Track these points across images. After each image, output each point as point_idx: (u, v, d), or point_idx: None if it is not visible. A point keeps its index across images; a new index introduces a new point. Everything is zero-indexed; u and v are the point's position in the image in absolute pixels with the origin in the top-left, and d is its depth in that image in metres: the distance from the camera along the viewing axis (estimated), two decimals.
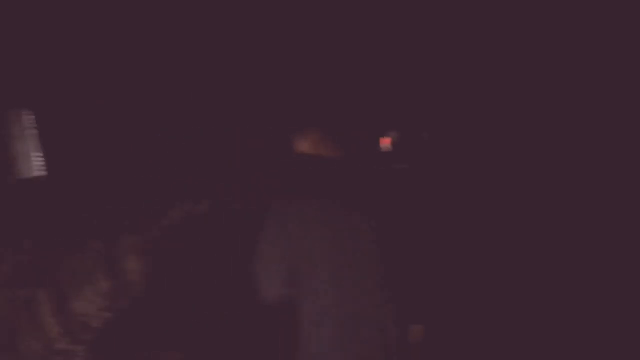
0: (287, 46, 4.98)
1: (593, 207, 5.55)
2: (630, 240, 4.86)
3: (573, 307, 4.16)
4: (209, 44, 4.85)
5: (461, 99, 7.14)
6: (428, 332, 2.21)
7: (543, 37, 5.36)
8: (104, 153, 4.23)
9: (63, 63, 3.63)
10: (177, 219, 5.29)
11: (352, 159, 2.06)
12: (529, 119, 6.29)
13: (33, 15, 3.33)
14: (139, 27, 4.26)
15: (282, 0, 4.78)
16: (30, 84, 3.30)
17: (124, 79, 4.34)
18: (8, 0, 3.20)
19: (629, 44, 4.98)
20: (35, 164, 3.11)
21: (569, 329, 3.87)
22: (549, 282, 4.61)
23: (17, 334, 3.56)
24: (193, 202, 5.45)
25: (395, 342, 1.94)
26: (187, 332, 4.72)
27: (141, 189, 4.82)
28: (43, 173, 3.10)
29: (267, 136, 5.44)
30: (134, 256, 4.87)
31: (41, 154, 3.12)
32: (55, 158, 3.30)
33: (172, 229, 5.24)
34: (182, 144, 5.06)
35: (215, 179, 5.59)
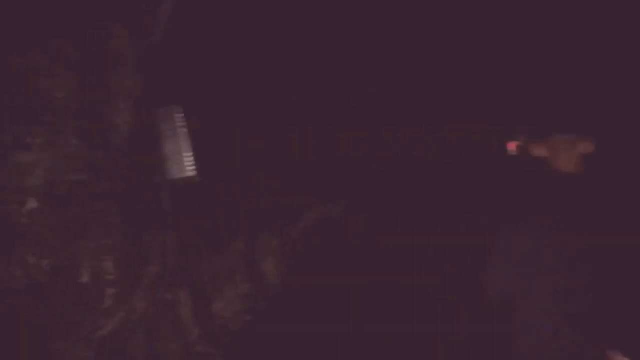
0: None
1: None
2: None
3: None
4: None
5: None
6: None
7: None
8: (247, 152, 3.95)
9: (214, 59, 3.36)
10: (314, 220, 4.95)
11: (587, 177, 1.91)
12: None
13: (186, 10, 3.07)
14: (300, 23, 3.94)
15: None
16: (181, 81, 3.04)
17: (271, 76, 4.04)
18: None
19: None
20: (185, 164, 2.83)
21: None
22: None
23: (157, 337, 3.36)
24: (330, 203, 5.09)
25: None
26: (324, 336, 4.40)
27: (280, 188, 4.51)
28: (192, 173, 2.81)
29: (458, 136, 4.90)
30: (272, 258, 4.59)
31: (191, 154, 2.83)
32: (202, 157, 3.02)
33: (310, 229, 4.91)
34: (325, 142, 4.69)
35: (355, 179, 5.18)
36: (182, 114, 3.01)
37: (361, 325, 4.66)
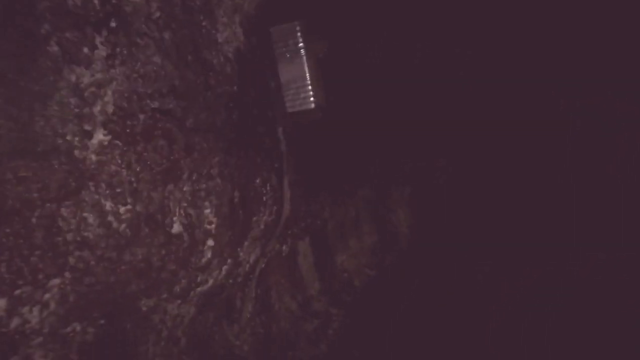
0: None
1: None
2: None
3: None
4: None
5: None
6: None
7: None
8: (382, 82, 3.11)
9: None
10: (450, 171, 4.04)
11: None
12: None
13: None
14: None
15: None
16: None
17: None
18: None
19: None
20: (305, 95, 2.08)
21: None
22: None
23: (273, 291, 2.75)
24: (466, 155, 4.13)
25: None
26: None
27: (416, 131, 3.64)
28: (313, 106, 2.05)
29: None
30: (404, 208, 3.80)
31: (310, 82, 2.07)
32: (327, 87, 2.25)
33: (445, 181, 4.01)
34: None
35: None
36: (303, 34, 2.24)
37: (499, 289, 3.81)
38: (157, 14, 1.63)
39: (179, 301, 2.14)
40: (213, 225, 2.05)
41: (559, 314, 3.59)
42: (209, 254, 2.09)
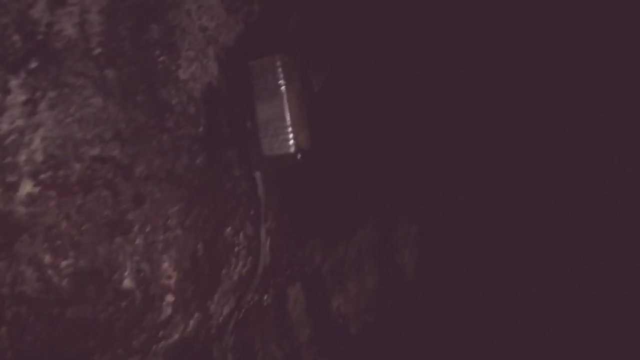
0: None
1: None
2: None
3: None
4: None
5: None
6: None
7: None
8: (381, 118, 2.88)
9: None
10: (460, 207, 3.75)
11: None
12: None
13: None
14: None
15: None
16: (288, 20, 2.05)
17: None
18: None
19: None
20: (285, 137, 1.86)
21: None
22: None
23: (257, 340, 2.51)
24: (479, 188, 3.84)
25: None
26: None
27: (424, 167, 3.37)
28: (292, 150, 1.83)
29: None
30: (410, 248, 3.50)
31: (292, 123, 1.85)
32: (316, 126, 2.03)
33: (456, 217, 3.72)
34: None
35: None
36: (285, 69, 2.02)
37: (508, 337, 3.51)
38: (98, 50, 1.44)
39: (138, 355, 1.92)
40: (172, 280, 1.84)
41: (560, 333, 3.42)
42: (169, 310, 1.87)
